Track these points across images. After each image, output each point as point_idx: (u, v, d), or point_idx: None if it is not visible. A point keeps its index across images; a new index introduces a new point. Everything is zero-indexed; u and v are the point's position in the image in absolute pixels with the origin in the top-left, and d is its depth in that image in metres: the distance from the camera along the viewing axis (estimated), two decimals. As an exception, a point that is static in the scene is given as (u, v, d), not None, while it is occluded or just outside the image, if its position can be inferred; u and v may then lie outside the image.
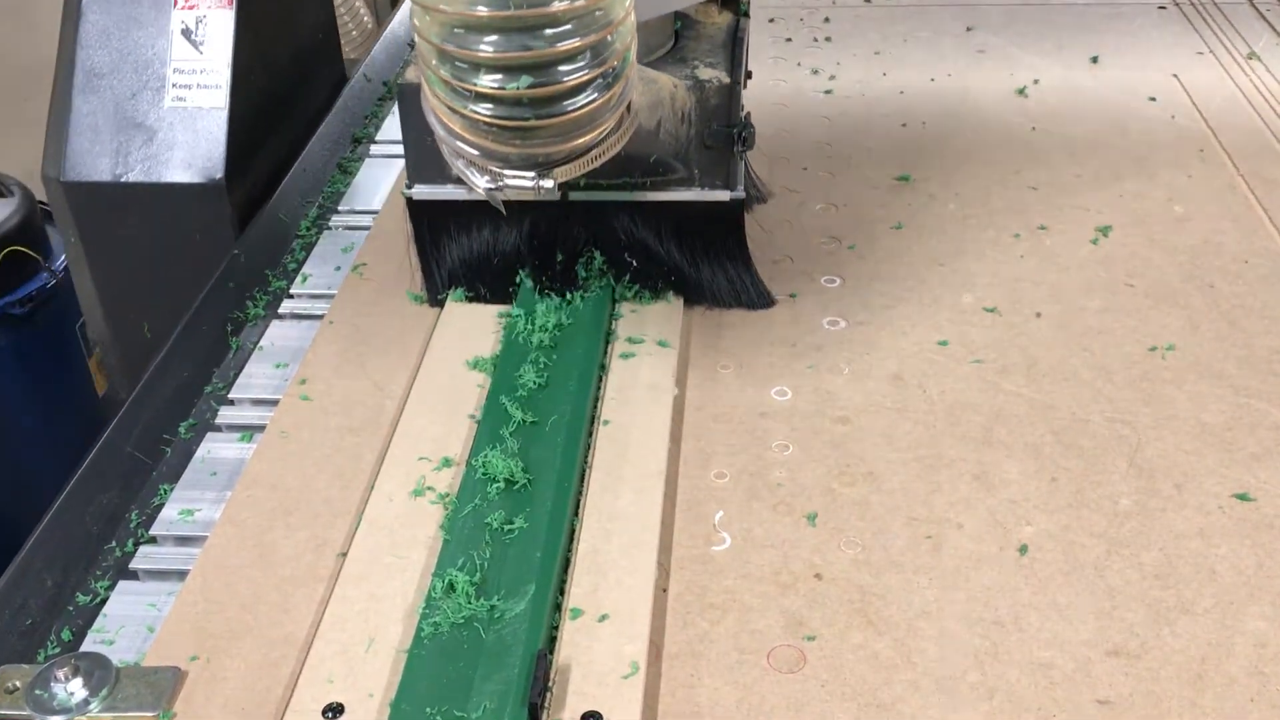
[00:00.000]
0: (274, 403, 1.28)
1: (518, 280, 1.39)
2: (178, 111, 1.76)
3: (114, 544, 1.15)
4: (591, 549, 1.06)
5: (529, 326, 1.32)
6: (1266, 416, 1.23)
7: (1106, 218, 1.56)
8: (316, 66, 2.07)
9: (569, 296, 1.37)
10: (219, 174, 1.72)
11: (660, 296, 1.40)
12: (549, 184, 1.09)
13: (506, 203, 1.26)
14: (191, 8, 1.75)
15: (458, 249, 1.39)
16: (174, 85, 1.77)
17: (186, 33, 1.76)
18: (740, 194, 1.36)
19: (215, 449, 1.26)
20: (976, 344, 1.35)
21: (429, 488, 1.13)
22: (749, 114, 1.34)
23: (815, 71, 1.98)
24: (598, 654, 0.96)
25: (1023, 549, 1.08)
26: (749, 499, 1.15)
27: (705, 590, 1.05)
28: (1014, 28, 2.11)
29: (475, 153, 1.08)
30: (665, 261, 1.39)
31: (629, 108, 1.12)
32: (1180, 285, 1.43)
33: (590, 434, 1.20)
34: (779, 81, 1.94)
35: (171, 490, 1.20)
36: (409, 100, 1.29)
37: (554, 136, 1.06)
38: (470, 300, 1.41)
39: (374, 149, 1.86)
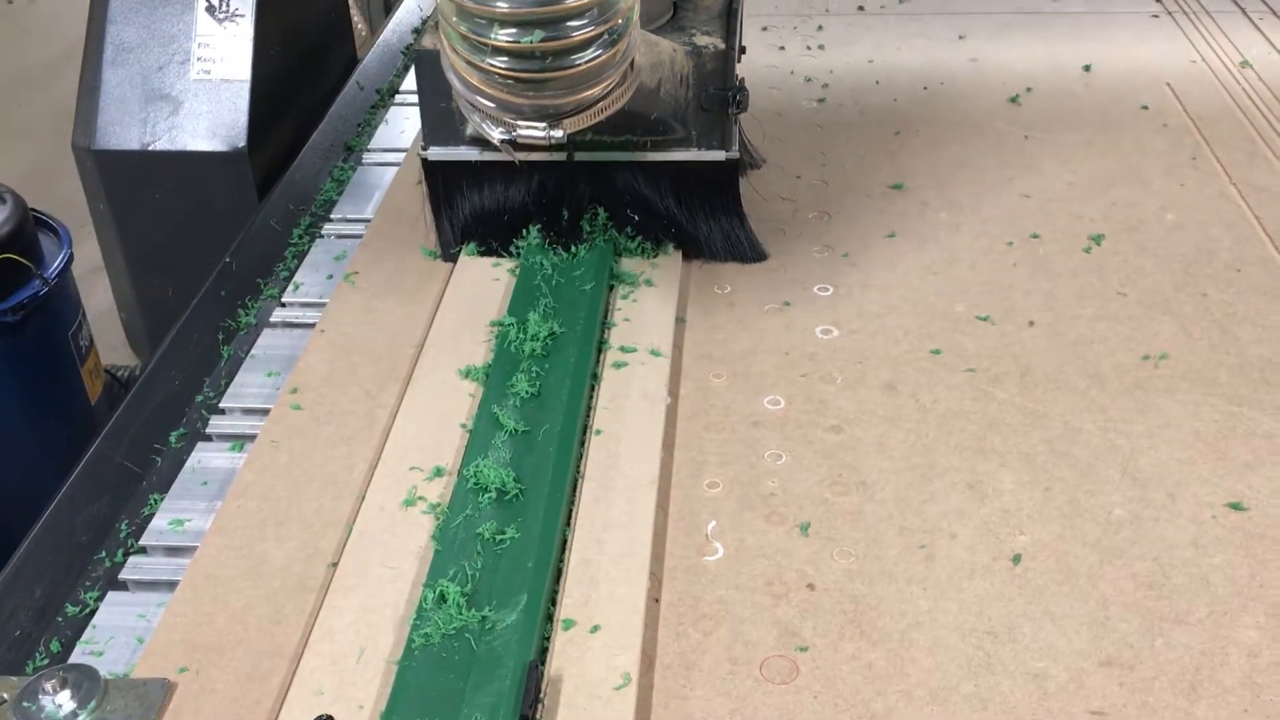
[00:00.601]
0: (265, 412, 1.27)
1: (524, 235, 1.47)
2: (202, 83, 1.88)
3: (103, 554, 1.15)
4: (584, 559, 1.06)
5: (521, 335, 1.31)
6: (1259, 425, 1.23)
7: (1099, 226, 1.56)
8: (329, 42, 2.16)
9: (573, 249, 1.45)
10: (241, 142, 1.84)
11: (661, 249, 1.48)
12: (558, 134, 1.20)
13: (516, 162, 1.38)
14: None
15: (469, 206, 1.47)
16: (199, 59, 1.90)
17: (210, 9, 1.90)
18: (735, 154, 1.44)
19: (206, 458, 1.25)
20: (969, 352, 1.35)
21: (420, 498, 1.13)
22: (743, 79, 1.41)
23: (809, 80, 1.98)
24: (590, 665, 0.96)
25: (1016, 559, 1.08)
26: (741, 509, 1.14)
27: (698, 600, 1.04)
28: (1006, 36, 2.11)
29: (492, 105, 1.18)
30: (665, 216, 1.47)
31: (632, 65, 1.22)
32: (1173, 294, 1.43)
33: (583, 443, 1.20)
34: (773, 90, 1.94)
35: (162, 500, 1.20)
36: (425, 66, 1.37)
37: (563, 89, 1.16)
38: (482, 254, 1.48)
39: (367, 157, 1.85)
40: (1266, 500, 1.14)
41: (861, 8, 2.26)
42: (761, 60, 2.03)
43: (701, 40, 1.40)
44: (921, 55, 2.05)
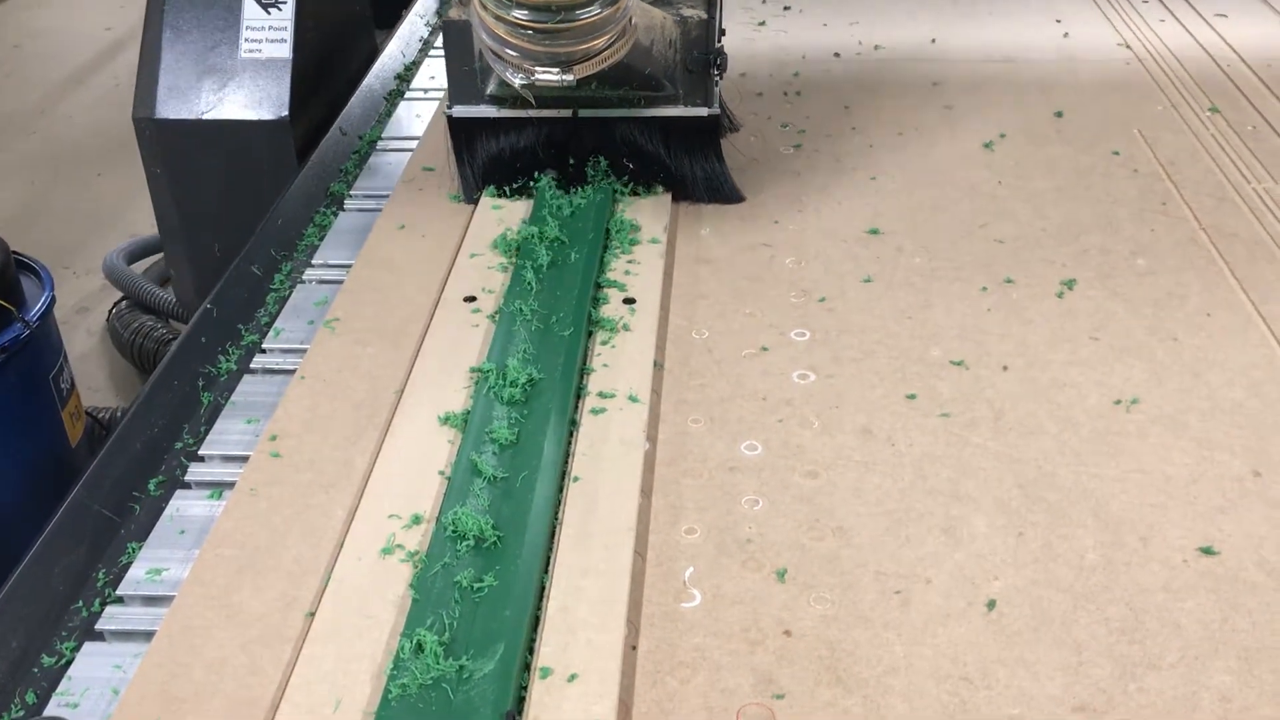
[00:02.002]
0: (245, 459, 1.28)
1: (535, 181, 1.72)
2: (250, 61, 2.17)
3: (80, 604, 1.14)
4: (561, 607, 1.06)
5: (500, 382, 1.32)
6: (1229, 469, 1.24)
7: (1071, 271, 1.58)
8: (354, 33, 2.49)
9: (579, 192, 1.70)
10: (285, 112, 2.12)
11: (652, 191, 1.74)
12: (570, 77, 1.47)
13: (527, 119, 1.70)
14: None
15: (487, 155, 1.73)
16: (247, 40, 2.19)
17: None
18: (716, 111, 1.72)
19: (184, 506, 1.25)
20: (944, 397, 1.36)
21: (399, 545, 1.13)
22: (723, 46, 1.68)
23: (785, 126, 2.01)
24: (567, 714, 0.96)
25: (990, 604, 1.09)
26: (719, 555, 1.15)
27: (675, 648, 1.05)
28: (979, 84, 2.15)
29: (515, 54, 1.46)
30: (657, 164, 1.73)
31: (630, 21, 1.49)
32: (1144, 338, 1.45)
33: (561, 490, 1.20)
34: (751, 137, 1.97)
35: (139, 549, 1.20)
36: (452, 35, 1.66)
37: (573, 38, 1.43)
38: (499, 196, 1.72)
39: (349, 203, 1.87)
40: (1238, 544, 1.15)
41: (837, 54, 2.29)
42: (739, 107, 2.06)
43: (688, 11, 1.66)
44: (896, 102, 2.09)
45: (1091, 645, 1.05)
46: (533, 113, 1.70)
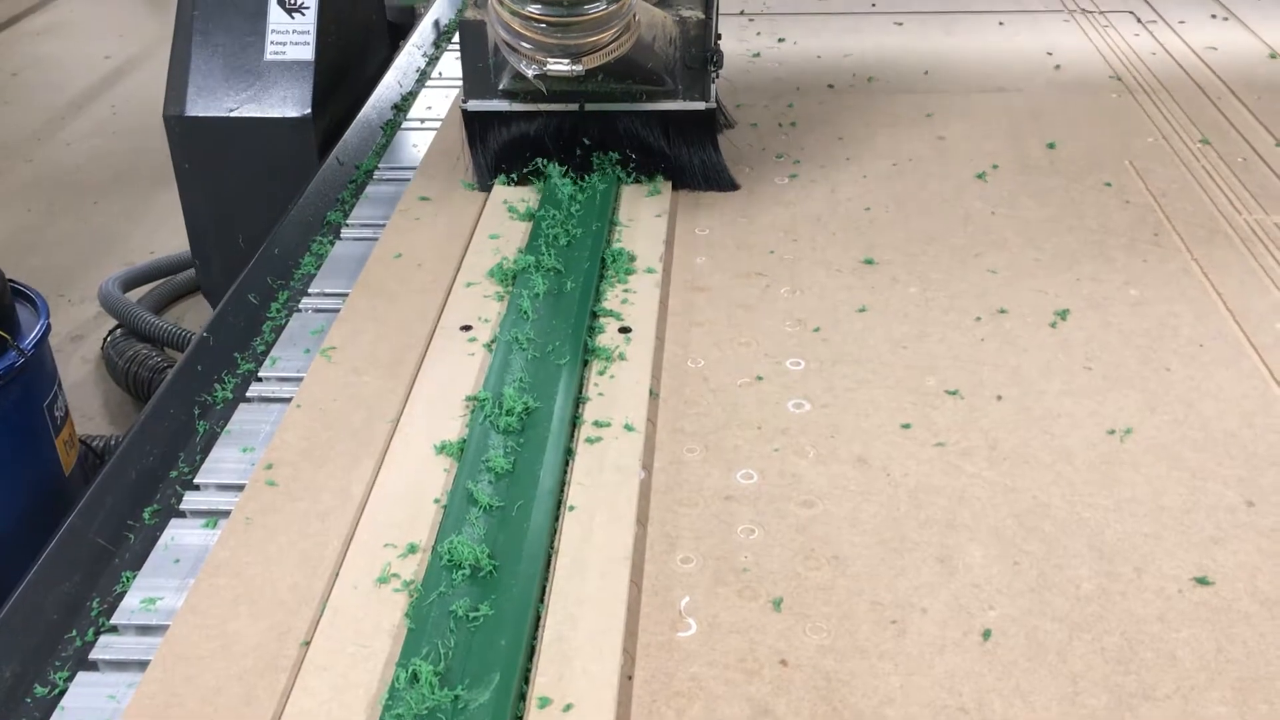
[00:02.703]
0: (240, 488, 1.28)
1: (544, 168, 1.84)
2: (274, 63, 2.31)
3: (74, 633, 1.14)
4: (557, 636, 1.06)
5: (496, 410, 1.33)
6: (1223, 499, 1.25)
7: (1064, 301, 1.59)
8: (370, 39, 2.65)
9: (586, 180, 1.82)
10: (307, 110, 2.27)
11: (653, 180, 1.86)
12: (579, 68, 1.59)
13: (537, 112, 1.83)
14: None
15: (499, 145, 1.85)
16: (272, 42, 2.33)
17: (282, 2, 2.34)
18: (713, 105, 1.85)
19: (179, 535, 1.25)
20: (939, 427, 1.36)
21: (394, 574, 1.13)
22: (719, 43, 1.81)
23: (780, 156, 2.02)
24: (562, 745, 0.96)
25: (986, 634, 1.09)
26: (715, 584, 1.15)
27: (671, 677, 1.05)
28: (972, 115, 2.17)
29: (529, 47, 1.58)
30: (658, 155, 1.86)
31: (634, 18, 1.62)
32: (1137, 368, 1.46)
33: (556, 519, 1.20)
34: (745, 168, 1.98)
35: (134, 578, 1.19)
36: (468, 34, 1.80)
37: (582, 32, 1.56)
38: (510, 184, 1.84)
39: (345, 232, 1.87)
40: (1232, 574, 1.15)
41: (831, 86, 2.31)
42: (735, 138, 2.08)
43: (686, 12, 1.80)
44: (890, 133, 2.10)
45: (1087, 675, 1.05)
46: (542, 106, 1.82)
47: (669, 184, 1.88)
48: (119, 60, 5.36)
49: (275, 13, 2.31)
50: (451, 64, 2.53)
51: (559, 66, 1.59)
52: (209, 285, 2.58)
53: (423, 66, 2.54)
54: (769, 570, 1.16)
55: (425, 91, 2.40)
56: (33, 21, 5.95)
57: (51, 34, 5.77)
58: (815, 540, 1.20)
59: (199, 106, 2.32)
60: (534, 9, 1.53)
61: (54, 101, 4.92)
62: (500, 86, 1.81)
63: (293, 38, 2.32)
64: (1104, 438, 1.34)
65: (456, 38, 2.29)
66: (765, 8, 2.76)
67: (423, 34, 2.70)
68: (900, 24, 2.64)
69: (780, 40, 2.55)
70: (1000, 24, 2.62)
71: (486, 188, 1.85)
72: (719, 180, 1.88)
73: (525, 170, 1.85)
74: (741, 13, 2.71)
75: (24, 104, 4.91)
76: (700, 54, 1.79)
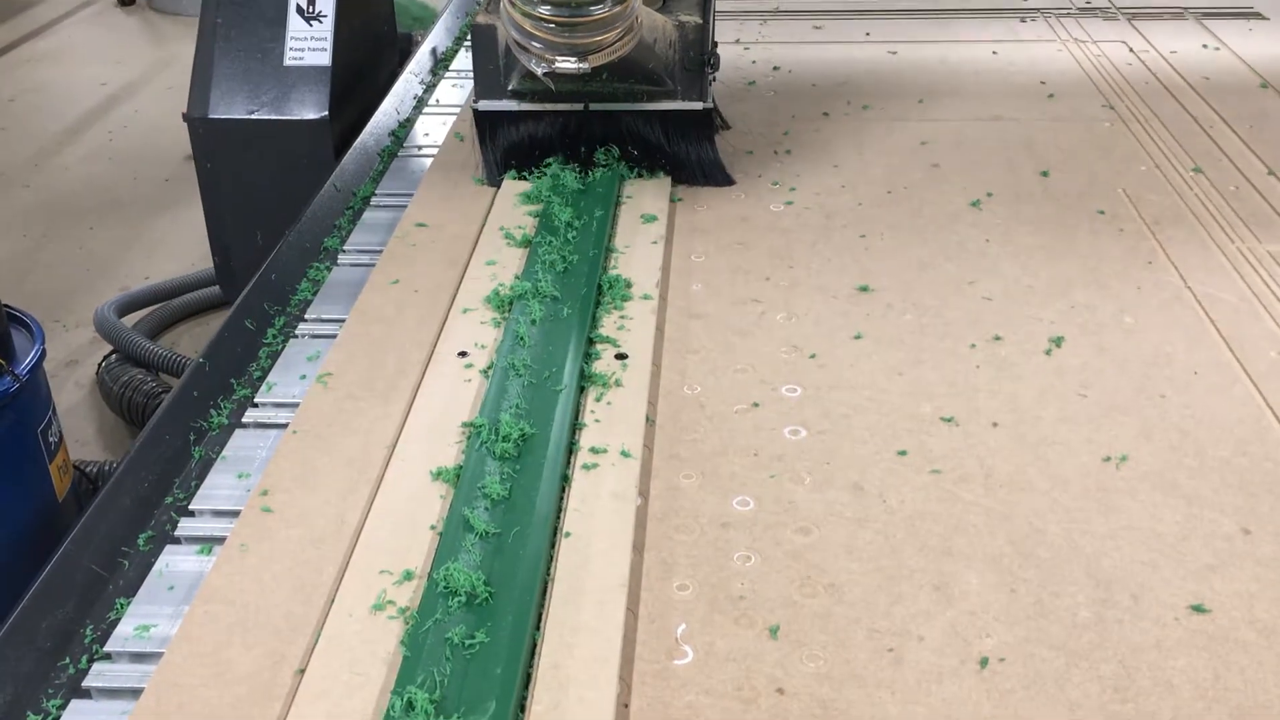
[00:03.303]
0: (235, 514, 1.27)
1: (549, 165, 1.94)
2: (293, 68, 2.46)
3: (68, 661, 1.13)
4: (553, 664, 1.06)
5: (492, 437, 1.33)
6: (1219, 527, 1.25)
7: (1059, 328, 1.60)
8: (382, 48, 2.82)
9: (591, 175, 1.93)
10: (325, 112, 2.42)
11: (654, 175, 1.97)
12: (585, 66, 1.72)
13: (544, 111, 1.95)
14: None
15: (508, 143, 1.96)
16: (291, 48, 2.47)
17: (300, 10, 2.49)
18: (710, 105, 1.96)
19: (174, 562, 1.25)
20: (935, 453, 1.37)
21: (390, 601, 1.13)
22: (716, 46, 1.93)
23: (776, 184, 2.03)
24: (558, 774, 0.95)
25: (983, 662, 1.09)
26: (711, 611, 1.15)
27: (667, 706, 1.04)
28: (966, 143, 2.18)
29: (539, 46, 1.71)
30: (658, 151, 1.97)
31: (637, 20, 1.74)
32: (1132, 396, 1.46)
33: (553, 545, 1.20)
34: (741, 195, 1.99)
35: (128, 605, 1.19)
36: (479, 38, 1.90)
37: (588, 31, 1.69)
38: (521, 179, 1.95)
39: (342, 258, 1.88)
40: (1229, 602, 1.15)
41: (826, 114, 2.33)
42: (729, 165, 2.09)
43: (684, 18, 1.91)
44: (885, 160, 2.11)
45: (1085, 704, 1.04)
46: (548, 106, 1.93)
47: (665, 210, 1.88)
48: (116, 86, 5.38)
49: (295, 20, 2.46)
50: (449, 91, 2.54)
51: (567, 64, 1.71)
52: (227, 280, 2.71)
53: (420, 94, 2.55)
54: (765, 597, 1.16)
55: (422, 118, 2.42)
56: (31, 48, 5.98)
57: (49, 60, 5.80)
58: (811, 567, 1.20)
59: (221, 109, 2.44)
60: (544, 10, 1.67)
61: (51, 127, 4.93)
62: (510, 87, 1.92)
63: (311, 44, 2.47)
64: (1100, 465, 1.34)
65: (468, 41, 2.39)
66: (761, 36, 2.78)
67: (420, 62, 2.71)
68: (895, 53, 2.66)
69: (775, 68, 2.57)
70: (994, 53, 2.64)
71: (496, 183, 1.95)
72: (716, 175, 1.99)
73: (532, 166, 1.95)
74: (737, 41, 2.73)
75: (21, 130, 4.93)
76: (698, 57, 1.90)
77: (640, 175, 1.96)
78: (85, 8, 6.57)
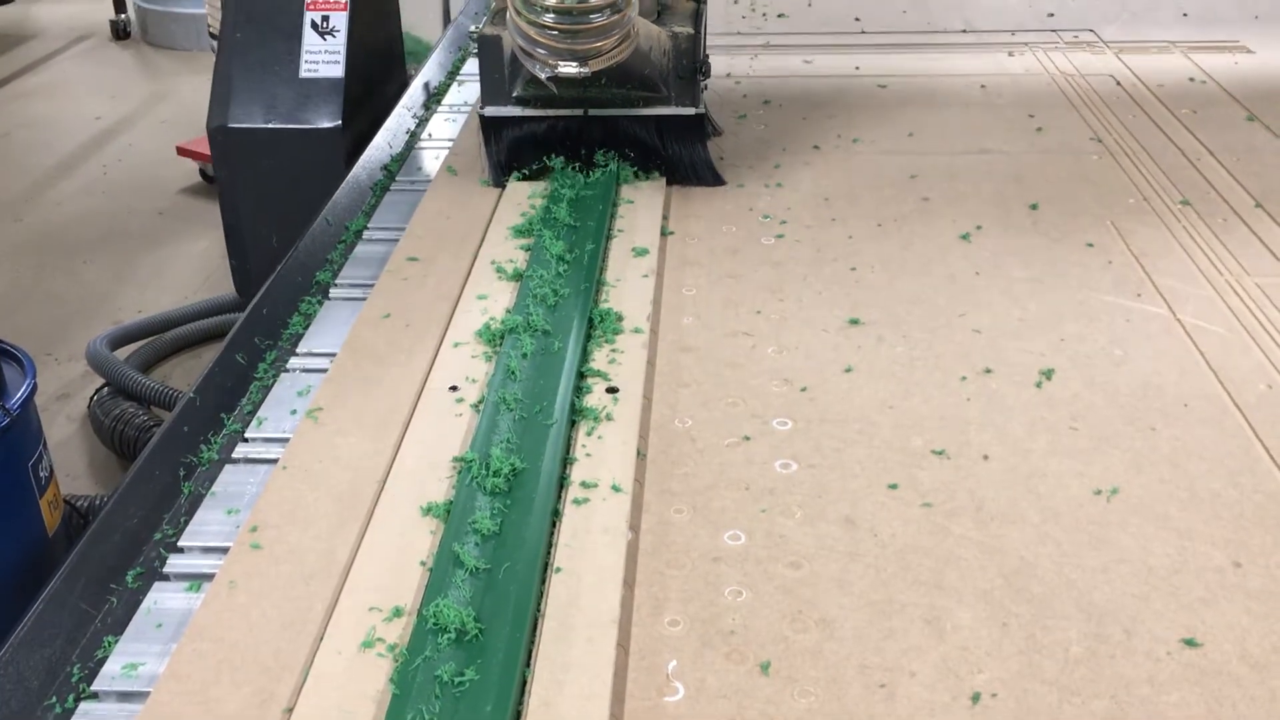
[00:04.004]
0: (224, 550, 1.27)
1: (552, 164, 2.09)
2: (309, 79, 2.62)
3: (54, 700, 1.12)
4: (543, 701, 1.05)
5: (483, 471, 1.32)
6: (1210, 560, 1.25)
7: (1049, 360, 1.60)
8: (390, 65, 2.99)
9: (590, 175, 2.07)
10: (338, 121, 2.58)
11: (650, 176, 2.11)
12: (586, 70, 1.87)
13: (545, 116, 2.09)
14: (319, 8, 2.67)
15: (512, 146, 2.11)
16: (306, 61, 2.63)
17: (314, 25, 2.64)
18: (702, 110, 2.11)
19: (162, 599, 1.24)
20: (926, 487, 1.37)
21: (379, 639, 1.12)
22: (708, 56, 2.09)
23: (766, 217, 2.04)
24: (548, 813, 0.94)
25: (975, 697, 1.08)
26: (702, 647, 1.14)
27: (658, 744, 1.04)
28: (956, 176, 2.19)
29: (544, 52, 1.87)
30: (653, 153, 2.11)
31: (634, 28, 1.90)
32: (1123, 428, 1.46)
33: (543, 581, 1.20)
34: (732, 228, 2.00)
35: (116, 642, 1.18)
36: (486, 48, 2.06)
37: (589, 38, 1.85)
38: (524, 179, 2.09)
39: (334, 292, 1.88)
40: (1220, 636, 1.15)
41: (817, 147, 2.34)
42: (720, 198, 2.10)
43: (677, 29, 2.05)
44: (875, 193, 2.13)
45: (1077, 739, 1.04)
46: (550, 111, 2.08)
47: (656, 244, 1.89)
48: (110, 121, 5.40)
49: (310, 35, 2.62)
50: (442, 126, 2.56)
51: (568, 69, 1.86)
52: (243, 283, 2.85)
53: (412, 128, 2.56)
54: (756, 633, 1.16)
55: (415, 153, 2.43)
56: (25, 83, 6.00)
57: (43, 95, 5.82)
58: (803, 602, 1.20)
59: (240, 118, 2.58)
60: (548, 18, 1.82)
61: (45, 161, 4.95)
62: (514, 94, 2.08)
63: (324, 57, 2.63)
64: (1091, 498, 1.34)
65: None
66: (751, 70, 2.80)
67: (413, 96, 2.72)
68: (884, 87, 2.68)
69: (766, 102, 2.59)
70: (983, 87, 2.67)
71: (501, 184, 2.09)
72: (707, 176, 2.13)
73: (535, 168, 2.10)
74: (728, 75, 2.75)
75: (15, 164, 4.94)
76: (690, 65, 2.05)
77: (637, 176, 2.10)
78: (80, 42, 6.61)
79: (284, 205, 2.55)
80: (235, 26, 2.65)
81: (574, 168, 2.08)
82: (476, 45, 2.10)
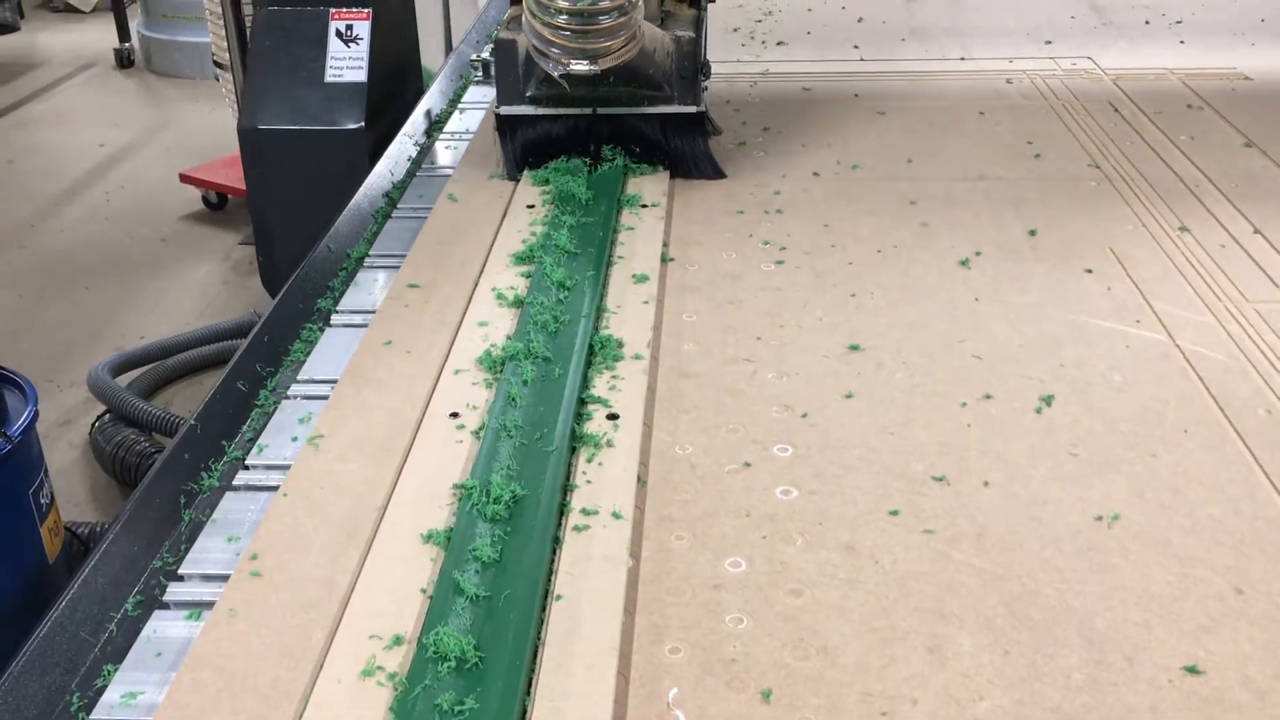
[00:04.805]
0: (224, 578, 1.27)
1: (565, 161, 2.24)
2: (334, 84, 2.83)
3: (52, 729, 1.12)
4: (543, 730, 1.05)
5: (483, 499, 1.32)
6: (1212, 586, 1.25)
7: (1049, 386, 1.61)
8: (406, 72, 3.21)
9: (597, 168, 2.24)
10: (361, 122, 2.80)
11: (654, 170, 2.27)
12: (596, 68, 2.02)
13: (557, 114, 2.25)
14: (343, 18, 2.88)
15: (525, 142, 2.26)
16: (331, 67, 2.84)
17: (339, 33, 2.84)
18: (703, 109, 2.27)
19: (162, 627, 1.24)
20: (926, 513, 1.36)
21: (379, 667, 1.12)
22: (707, 60, 2.25)
23: (766, 243, 2.05)
24: (548, 843, 0.94)
25: (977, 725, 1.08)
26: (703, 675, 1.14)
27: (658, 773, 1.03)
28: (955, 202, 2.20)
29: (557, 51, 2.01)
30: (658, 149, 2.28)
31: (640, 30, 2.04)
32: (1123, 454, 1.46)
33: (543, 609, 1.19)
34: (732, 254, 2.01)
35: (115, 671, 1.18)
36: (502, 51, 2.23)
37: (598, 37, 1.99)
38: (535, 171, 2.24)
39: (335, 319, 1.88)
40: (1222, 663, 1.15)
41: (816, 173, 2.35)
42: (719, 225, 2.11)
43: (680, 33, 2.20)
44: (874, 220, 2.13)
45: (1080, 768, 1.03)
46: (561, 110, 2.23)
47: (656, 270, 1.90)
48: (114, 148, 5.43)
49: (334, 43, 2.83)
50: (443, 153, 2.57)
51: (580, 67, 2.01)
52: (270, 276, 3.05)
53: (414, 155, 2.58)
54: (757, 661, 1.15)
55: (416, 180, 2.44)
56: (30, 110, 6.04)
57: (47, 122, 5.86)
58: (804, 630, 1.19)
59: (269, 120, 2.78)
60: (561, 19, 1.97)
61: (49, 188, 4.97)
62: (527, 93, 2.23)
63: (349, 63, 2.83)
64: (1091, 524, 1.34)
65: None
66: (751, 98, 2.82)
67: (414, 123, 2.74)
68: (883, 114, 2.69)
69: (765, 129, 2.60)
70: (981, 113, 2.68)
71: (515, 178, 2.24)
72: (708, 169, 2.29)
73: (547, 164, 2.24)
74: (728, 102, 2.76)
75: (19, 191, 4.96)
76: (692, 66, 2.20)
77: (642, 171, 2.26)
78: (85, 70, 6.65)
79: (311, 202, 2.68)
80: (265, 35, 2.85)
81: (584, 161, 2.24)
82: (493, 48, 2.26)
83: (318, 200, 2.57)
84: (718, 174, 2.29)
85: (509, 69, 2.22)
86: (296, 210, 2.80)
